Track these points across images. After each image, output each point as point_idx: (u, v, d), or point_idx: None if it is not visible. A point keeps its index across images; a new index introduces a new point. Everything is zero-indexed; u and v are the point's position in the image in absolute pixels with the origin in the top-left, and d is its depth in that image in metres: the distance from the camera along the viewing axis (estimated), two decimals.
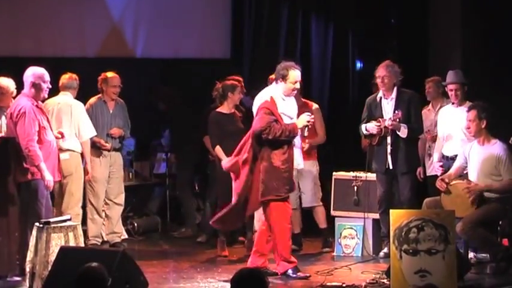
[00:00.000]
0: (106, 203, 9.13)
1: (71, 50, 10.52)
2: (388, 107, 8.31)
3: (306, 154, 8.45)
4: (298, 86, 7.54)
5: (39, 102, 7.61)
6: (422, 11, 10.56)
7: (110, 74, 9.07)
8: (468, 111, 7.79)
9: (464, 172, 7.84)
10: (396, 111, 8.15)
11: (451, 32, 10.11)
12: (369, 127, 8.30)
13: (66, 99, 8.56)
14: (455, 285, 6.65)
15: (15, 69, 7.88)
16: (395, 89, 8.28)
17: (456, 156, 7.98)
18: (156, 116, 10.42)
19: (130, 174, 10.22)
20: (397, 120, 8.13)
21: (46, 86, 7.56)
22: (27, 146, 7.31)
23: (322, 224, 8.80)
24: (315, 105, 8.79)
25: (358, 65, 11.13)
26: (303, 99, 8.63)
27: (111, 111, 9.09)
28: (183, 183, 10.15)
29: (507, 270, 7.55)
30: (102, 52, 10.56)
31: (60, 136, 7.90)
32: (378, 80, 8.28)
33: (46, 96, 7.70)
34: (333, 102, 11.02)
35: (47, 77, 7.57)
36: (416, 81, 9.46)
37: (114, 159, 9.11)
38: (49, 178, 7.37)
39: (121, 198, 9.19)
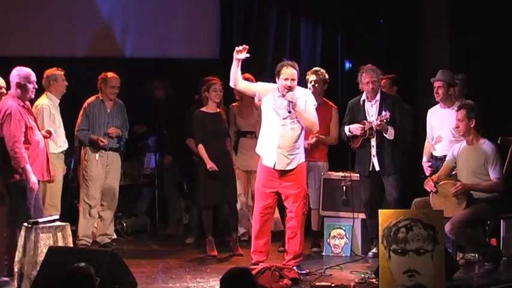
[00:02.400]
0: (101, 204, 9.11)
1: (60, 49, 10.48)
2: (372, 110, 8.33)
3: (317, 154, 8.52)
4: (290, 83, 7.52)
5: (27, 102, 7.55)
6: (411, 11, 10.57)
7: (110, 75, 9.06)
8: (457, 110, 7.82)
9: (453, 173, 7.86)
10: (384, 112, 8.16)
11: (440, 32, 10.12)
12: (352, 128, 8.31)
13: None
14: (444, 285, 6.67)
15: (3, 68, 7.83)
16: (379, 92, 8.31)
17: (445, 156, 8.00)
18: (148, 109, 10.38)
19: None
20: (385, 121, 8.14)
21: (32, 86, 7.46)
22: (12, 148, 7.26)
23: (315, 226, 8.81)
24: (334, 106, 8.86)
25: (347, 65, 11.13)
26: (324, 99, 8.73)
27: (108, 111, 9.08)
28: (170, 181, 10.13)
29: (495, 270, 7.57)
30: (92, 52, 10.51)
31: (48, 135, 7.85)
32: (368, 86, 8.26)
33: (33, 96, 7.62)
34: None
35: (33, 77, 7.48)
36: (405, 82, 9.48)
37: (112, 159, 9.10)
38: (34, 180, 7.30)
39: (115, 201, 9.18)
